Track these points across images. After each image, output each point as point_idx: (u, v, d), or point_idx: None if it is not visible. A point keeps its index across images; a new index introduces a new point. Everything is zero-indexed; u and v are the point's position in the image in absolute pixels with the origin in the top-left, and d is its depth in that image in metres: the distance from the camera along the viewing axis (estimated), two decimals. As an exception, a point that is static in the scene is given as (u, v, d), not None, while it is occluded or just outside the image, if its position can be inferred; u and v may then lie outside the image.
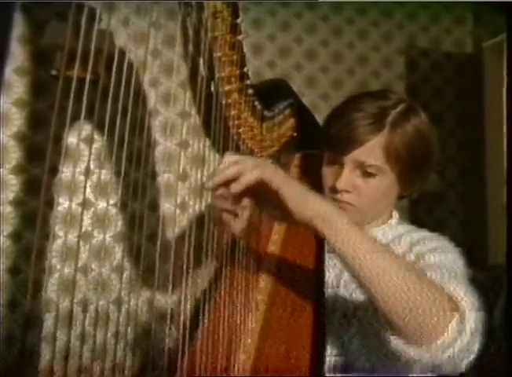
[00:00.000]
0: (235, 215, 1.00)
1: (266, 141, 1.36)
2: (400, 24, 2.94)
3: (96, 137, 1.13)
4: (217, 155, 1.25)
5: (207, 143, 1.22)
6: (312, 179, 1.43)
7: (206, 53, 1.11)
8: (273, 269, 1.26)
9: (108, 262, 2.36)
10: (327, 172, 1.32)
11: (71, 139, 1.06)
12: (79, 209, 1.96)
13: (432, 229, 1.33)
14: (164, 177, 2.47)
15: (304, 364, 1.03)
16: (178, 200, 2.46)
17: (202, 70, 1.13)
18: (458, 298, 0.96)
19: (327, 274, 1.27)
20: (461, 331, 0.92)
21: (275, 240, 1.34)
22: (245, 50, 1.18)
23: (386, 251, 0.99)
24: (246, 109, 1.25)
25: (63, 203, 2.08)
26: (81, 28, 0.80)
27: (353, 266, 0.96)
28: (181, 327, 1.05)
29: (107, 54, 0.89)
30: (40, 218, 1.05)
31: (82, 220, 2.03)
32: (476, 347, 0.96)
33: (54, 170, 0.96)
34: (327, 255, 1.32)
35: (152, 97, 2.33)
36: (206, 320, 1.13)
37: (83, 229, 2.27)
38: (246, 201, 1.00)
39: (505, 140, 2.46)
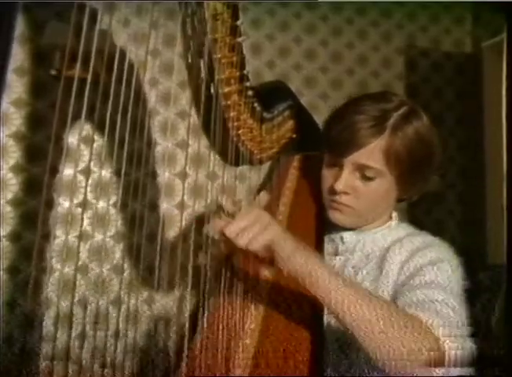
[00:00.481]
0: None
1: (265, 143, 1.36)
2: (400, 24, 2.94)
3: (95, 137, 1.13)
4: (215, 155, 1.26)
5: (207, 143, 1.22)
6: (311, 181, 1.44)
7: (206, 54, 1.11)
8: (272, 272, 1.26)
9: (108, 262, 2.36)
10: (327, 173, 1.32)
11: (71, 139, 1.07)
12: (79, 209, 1.97)
13: (431, 230, 1.33)
14: (164, 177, 2.47)
15: (303, 364, 1.03)
16: (177, 200, 2.46)
17: (202, 71, 1.13)
18: (440, 336, 1.00)
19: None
20: (442, 364, 0.96)
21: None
22: (244, 51, 1.18)
23: (366, 295, 1.02)
24: (245, 111, 1.26)
25: (62, 203, 2.08)
26: (81, 28, 0.81)
27: (336, 313, 1.00)
28: (181, 327, 1.06)
29: (107, 54, 0.89)
30: (40, 218, 1.05)
31: (82, 219, 2.03)
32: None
33: (54, 170, 0.96)
34: (326, 257, 1.33)
35: (152, 97, 2.34)
36: (205, 320, 1.13)
37: (83, 229, 2.27)
38: None
39: (504, 140, 2.45)
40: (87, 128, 1.24)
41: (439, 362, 0.97)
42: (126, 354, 1.26)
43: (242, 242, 1.01)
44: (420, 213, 2.71)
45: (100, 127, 0.94)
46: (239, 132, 1.26)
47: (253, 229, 1.02)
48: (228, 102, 1.20)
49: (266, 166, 1.56)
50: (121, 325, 1.38)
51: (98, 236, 2.30)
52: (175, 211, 2.45)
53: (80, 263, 2.20)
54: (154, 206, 2.20)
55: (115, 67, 0.92)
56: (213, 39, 1.11)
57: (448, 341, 0.99)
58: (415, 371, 0.96)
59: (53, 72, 2.30)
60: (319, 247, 1.30)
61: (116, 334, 1.29)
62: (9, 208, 2.30)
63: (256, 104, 1.28)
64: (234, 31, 1.13)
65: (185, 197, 2.36)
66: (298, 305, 1.14)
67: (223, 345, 1.07)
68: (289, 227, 1.37)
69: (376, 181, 1.26)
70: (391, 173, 1.26)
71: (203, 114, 1.16)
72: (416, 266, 1.21)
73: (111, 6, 0.97)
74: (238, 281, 1.17)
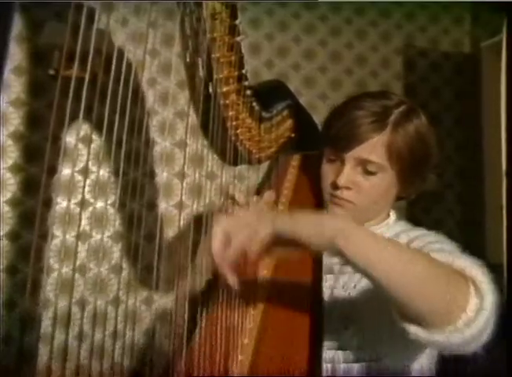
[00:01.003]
0: None
1: (264, 142, 1.36)
2: (399, 24, 2.94)
3: (94, 136, 1.13)
4: (213, 156, 1.26)
5: (205, 143, 1.22)
6: (310, 180, 1.44)
7: (205, 54, 1.11)
8: (271, 269, 1.26)
9: (106, 262, 2.36)
10: (328, 169, 1.32)
11: (69, 139, 1.07)
12: (77, 208, 1.97)
13: (429, 229, 1.33)
14: (162, 177, 2.47)
15: (302, 364, 1.03)
16: (176, 200, 2.46)
17: (201, 71, 1.13)
18: (472, 273, 0.97)
19: (324, 276, 1.27)
20: (481, 306, 0.93)
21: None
22: (243, 51, 1.18)
23: (401, 246, 1.02)
24: (244, 110, 1.26)
25: (61, 203, 2.08)
26: (79, 28, 0.80)
27: (374, 272, 0.95)
28: (179, 326, 1.06)
29: (105, 54, 0.89)
30: (38, 218, 1.05)
31: (80, 219, 2.03)
32: (493, 321, 0.96)
33: (52, 170, 0.96)
34: (325, 255, 1.32)
35: (150, 97, 2.34)
36: (203, 320, 1.13)
37: (81, 229, 2.27)
38: None
39: (503, 139, 2.45)
40: (85, 128, 1.23)
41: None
42: (124, 354, 1.26)
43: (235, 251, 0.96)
44: (419, 212, 2.72)
45: (98, 127, 0.94)
46: (238, 131, 1.26)
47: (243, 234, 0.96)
48: (227, 101, 1.20)
49: (265, 165, 1.56)
50: (119, 325, 1.38)
51: (96, 236, 2.30)
52: (174, 211, 2.45)
53: (78, 263, 2.20)
54: (152, 206, 2.21)
55: (113, 66, 0.92)
56: (212, 38, 1.11)
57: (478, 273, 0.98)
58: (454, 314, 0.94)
59: (52, 72, 2.30)
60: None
61: (114, 333, 1.29)
62: (7, 208, 2.29)
63: (254, 104, 1.28)
64: (232, 31, 1.13)
65: (184, 197, 2.36)
66: (296, 304, 1.14)
67: (221, 345, 1.07)
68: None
69: (378, 175, 1.27)
70: (392, 168, 1.26)
71: (202, 113, 1.16)
72: (417, 247, 1.21)
73: (109, 6, 0.97)
74: (236, 281, 1.17)
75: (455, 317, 0.92)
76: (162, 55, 2.43)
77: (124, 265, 2.22)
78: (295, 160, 1.56)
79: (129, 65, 0.97)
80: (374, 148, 1.24)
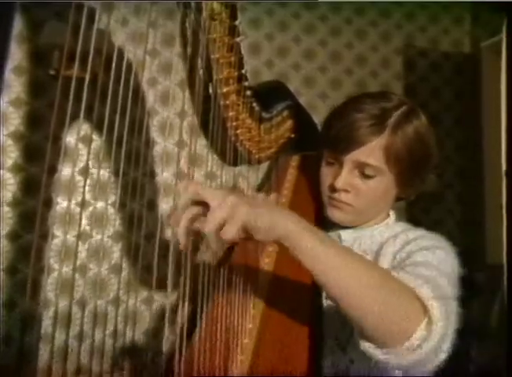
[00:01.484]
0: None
1: (264, 143, 1.36)
2: (399, 24, 2.94)
3: (94, 136, 1.13)
4: (213, 155, 1.25)
5: (205, 143, 1.22)
6: (310, 180, 1.44)
7: (205, 54, 1.11)
8: (271, 272, 1.26)
9: (106, 262, 2.36)
10: (326, 171, 1.32)
11: (70, 138, 1.07)
12: (77, 208, 1.97)
13: (429, 229, 1.33)
14: (162, 177, 2.47)
15: (302, 365, 1.03)
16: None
17: (201, 71, 1.13)
18: (428, 302, 0.95)
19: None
20: (429, 335, 0.92)
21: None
22: (243, 51, 1.18)
23: (354, 258, 0.97)
24: (244, 111, 1.26)
25: (61, 203, 2.08)
26: (79, 28, 0.80)
27: (321, 279, 0.94)
28: (179, 326, 1.05)
29: (105, 54, 0.89)
30: (38, 218, 1.05)
31: (80, 219, 2.03)
32: (446, 348, 0.96)
33: (52, 170, 0.96)
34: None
35: (151, 97, 2.34)
36: (203, 320, 1.13)
37: (81, 229, 2.27)
38: None
39: (503, 139, 2.45)
40: (86, 128, 1.23)
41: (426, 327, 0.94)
42: (123, 353, 1.26)
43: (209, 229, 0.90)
44: (419, 212, 2.72)
45: (98, 127, 0.94)
46: (238, 132, 1.26)
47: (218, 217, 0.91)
48: (227, 102, 1.20)
49: (264, 166, 1.56)
50: (119, 324, 1.38)
51: (97, 236, 2.30)
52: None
53: (79, 263, 2.20)
54: (152, 206, 2.21)
55: (113, 66, 0.91)
56: (212, 39, 1.11)
57: (434, 303, 0.96)
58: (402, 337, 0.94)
59: (52, 72, 2.30)
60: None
61: (114, 333, 1.29)
62: (7, 208, 2.29)
63: (254, 104, 1.28)
64: (232, 31, 1.13)
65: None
66: (296, 304, 1.14)
67: (221, 345, 1.07)
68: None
69: (376, 179, 1.26)
70: (390, 171, 1.26)
71: (202, 114, 1.16)
72: (409, 252, 1.20)
73: (110, 6, 0.97)
74: (236, 280, 1.17)
75: (399, 342, 0.92)
76: (162, 55, 2.43)
77: (124, 265, 2.23)
78: (295, 161, 1.56)
79: (129, 65, 0.97)
80: (372, 151, 1.24)
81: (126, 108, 0.95)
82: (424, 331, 0.92)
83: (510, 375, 1.73)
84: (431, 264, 1.13)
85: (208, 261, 1.10)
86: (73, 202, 1.95)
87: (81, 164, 2.09)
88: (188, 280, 1.01)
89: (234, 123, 1.24)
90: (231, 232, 0.89)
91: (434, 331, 0.92)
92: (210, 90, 1.16)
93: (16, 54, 2.36)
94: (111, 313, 1.80)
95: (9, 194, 2.30)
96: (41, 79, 2.35)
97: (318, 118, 1.50)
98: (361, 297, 0.92)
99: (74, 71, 0.81)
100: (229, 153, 1.26)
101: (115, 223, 2.31)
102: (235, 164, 1.30)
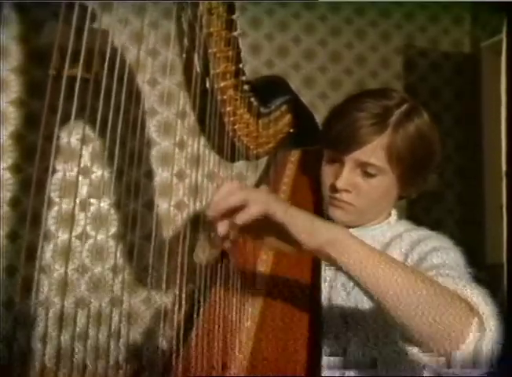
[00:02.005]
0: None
1: (262, 138, 1.35)
2: (398, 24, 2.94)
3: (93, 136, 1.13)
4: (212, 155, 1.25)
5: (204, 142, 1.22)
6: (309, 176, 1.43)
7: (201, 49, 1.10)
8: (270, 269, 1.26)
9: (106, 262, 2.36)
10: (327, 170, 1.31)
11: (69, 138, 1.07)
12: (77, 208, 1.96)
13: (430, 229, 1.32)
14: (161, 177, 2.47)
15: (301, 363, 1.03)
16: (175, 200, 2.46)
17: (198, 66, 1.12)
18: (476, 302, 0.94)
19: (323, 274, 1.27)
20: (481, 338, 0.90)
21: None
22: (241, 48, 1.18)
23: (399, 265, 0.96)
24: (241, 105, 1.25)
25: (60, 202, 2.08)
26: (77, 28, 0.80)
27: (368, 288, 0.93)
28: (176, 325, 1.05)
29: (104, 54, 0.89)
30: (32, 217, 1.05)
31: (73, 219, 2.03)
32: (496, 349, 0.92)
33: (53, 170, 0.96)
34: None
35: (149, 96, 2.34)
36: (201, 318, 1.12)
37: (81, 229, 2.28)
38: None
39: (503, 139, 2.45)
40: (85, 128, 1.23)
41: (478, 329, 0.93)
42: (123, 353, 1.26)
43: (238, 198, 0.92)
44: (419, 212, 2.72)
45: (98, 127, 0.94)
46: (235, 127, 1.25)
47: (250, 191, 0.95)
48: (224, 97, 1.19)
49: (264, 164, 1.56)
50: (117, 324, 1.37)
51: (97, 236, 2.30)
52: (173, 211, 2.45)
53: (77, 262, 2.20)
54: (151, 206, 2.21)
55: (112, 66, 0.92)
56: (209, 33, 1.10)
57: (479, 301, 0.95)
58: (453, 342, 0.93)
59: (52, 72, 2.30)
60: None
61: (112, 333, 1.29)
62: (6, 208, 2.30)
63: (252, 99, 1.27)
64: (229, 25, 1.12)
65: (184, 197, 2.35)
66: (295, 302, 1.13)
67: (219, 343, 1.06)
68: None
69: (377, 178, 1.25)
70: (392, 170, 1.25)
71: (199, 109, 1.16)
72: (420, 254, 1.20)
73: (109, 5, 0.97)
74: (234, 278, 1.16)
75: (453, 348, 0.90)
76: (162, 55, 2.43)
77: (124, 265, 2.22)
78: (294, 156, 1.55)
79: (128, 64, 0.97)
80: (373, 150, 1.23)
81: (126, 108, 0.95)
82: (478, 331, 0.90)
83: (510, 374, 1.72)
84: (450, 265, 1.12)
85: (205, 262, 1.10)
86: (71, 202, 1.96)
87: (80, 164, 2.09)
88: (184, 278, 1.01)
89: (231, 118, 1.23)
90: (253, 210, 0.91)
91: (488, 330, 0.90)
92: (207, 85, 1.15)
93: (16, 54, 2.36)
94: (109, 313, 1.80)
95: (8, 194, 2.31)
96: (41, 79, 2.35)
97: (318, 118, 1.50)
98: (411, 302, 0.91)
99: (66, 70, 0.82)
100: (227, 149, 1.25)
101: (114, 223, 2.32)
102: (232, 160, 1.30)
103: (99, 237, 2.26)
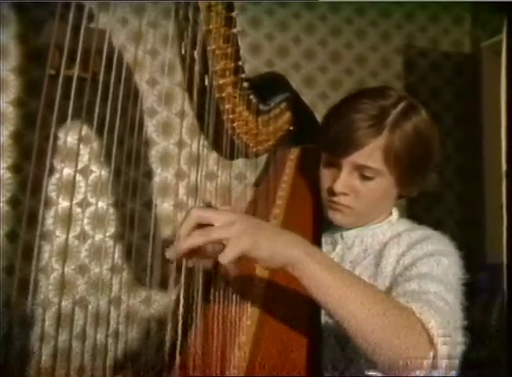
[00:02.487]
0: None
1: (262, 135, 1.35)
2: (399, 24, 2.95)
3: (93, 136, 1.13)
4: (212, 153, 1.24)
5: (204, 142, 1.21)
6: (308, 173, 1.42)
7: (200, 46, 1.10)
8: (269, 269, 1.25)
9: (105, 262, 2.36)
10: (325, 174, 1.30)
11: (68, 138, 1.07)
12: (78, 208, 1.96)
13: (431, 228, 1.32)
14: (161, 176, 2.47)
15: (300, 362, 1.02)
16: (175, 200, 2.46)
17: (197, 63, 1.12)
18: (434, 333, 0.95)
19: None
20: (435, 365, 0.93)
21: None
22: (241, 46, 1.17)
23: (361, 288, 0.97)
24: (241, 103, 1.24)
25: (61, 203, 2.08)
26: (76, 28, 0.80)
27: (329, 310, 0.95)
28: (177, 325, 1.05)
29: (104, 54, 0.89)
30: (31, 217, 1.04)
31: (69, 218, 2.02)
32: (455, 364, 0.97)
33: (51, 170, 0.95)
34: (323, 250, 1.32)
35: (149, 96, 2.34)
36: (200, 318, 1.12)
37: (79, 229, 2.28)
38: None
39: (503, 139, 2.45)
40: (84, 127, 1.23)
41: (432, 359, 0.96)
42: (120, 352, 1.26)
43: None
44: (419, 212, 2.72)
45: (98, 127, 0.93)
46: (235, 125, 1.24)
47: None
48: (223, 94, 1.18)
49: (263, 162, 1.56)
50: (116, 324, 1.37)
51: (97, 236, 2.30)
52: (173, 210, 2.45)
53: (75, 261, 2.20)
54: (151, 206, 2.20)
55: (111, 65, 0.91)
56: (208, 30, 1.09)
57: (440, 334, 0.97)
58: (408, 368, 0.95)
59: (52, 72, 2.30)
60: (316, 241, 1.29)
61: (108, 331, 1.28)
62: (6, 207, 2.30)
63: (252, 96, 1.26)
64: (229, 22, 1.11)
65: (184, 197, 2.35)
66: (294, 302, 1.13)
67: (218, 342, 1.05)
68: (286, 220, 1.36)
69: (375, 180, 1.24)
70: (390, 171, 1.24)
71: (198, 107, 1.15)
72: (413, 257, 1.19)
73: (108, 5, 0.96)
74: (233, 278, 1.15)
75: (408, 370, 0.92)
76: (161, 54, 2.43)
77: (123, 265, 2.22)
78: (293, 153, 1.55)
79: (127, 64, 0.97)
80: (371, 153, 1.22)
81: (125, 108, 0.95)
82: (431, 360, 0.92)
83: (510, 374, 1.72)
84: (436, 277, 1.13)
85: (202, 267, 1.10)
86: (69, 202, 1.95)
87: (80, 165, 2.08)
88: (183, 278, 1.00)
89: (230, 116, 1.22)
90: (228, 258, 0.88)
91: (440, 362, 0.93)
92: (206, 82, 1.14)
93: (16, 54, 2.37)
94: (109, 313, 1.80)
95: (7, 194, 2.31)
96: (41, 79, 2.35)
97: (318, 118, 1.49)
98: (367, 326, 0.93)
99: (63, 69, 0.81)
100: (226, 146, 1.24)
101: (114, 223, 2.31)
102: (232, 158, 1.29)
103: (98, 237, 2.26)
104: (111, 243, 2.35)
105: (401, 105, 1.24)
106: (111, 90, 0.91)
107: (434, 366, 0.93)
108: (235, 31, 1.13)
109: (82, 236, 2.29)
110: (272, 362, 1.02)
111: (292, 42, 2.79)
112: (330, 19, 2.84)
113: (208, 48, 1.12)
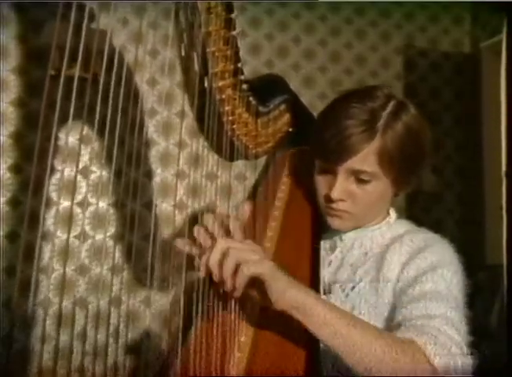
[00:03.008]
0: None
1: (261, 137, 1.35)
2: (398, 24, 2.95)
3: (93, 136, 1.13)
4: (211, 155, 1.24)
5: (204, 142, 1.21)
6: (308, 175, 1.42)
7: (200, 48, 1.10)
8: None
9: (105, 262, 2.36)
10: (321, 181, 1.30)
11: (69, 138, 1.07)
12: (77, 209, 1.96)
13: (429, 229, 1.32)
14: (161, 177, 2.47)
15: (300, 363, 1.02)
16: (175, 200, 2.46)
17: (196, 65, 1.12)
18: (435, 361, 1.01)
19: (322, 272, 1.26)
20: None
21: (270, 237, 1.33)
22: (240, 47, 1.17)
23: (362, 329, 1.04)
24: (240, 105, 1.24)
25: (62, 203, 2.08)
26: (78, 27, 0.80)
27: (335, 348, 1.01)
28: (176, 326, 1.05)
29: (104, 54, 0.89)
30: (27, 217, 1.05)
31: (70, 219, 2.02)
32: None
33: (52, 170, 0.96)
34: (323, 253, 1.32)
35: (149, 96, 2.34)
36: (199, 320, 1.12)
37: (80, 229, 2.27)
38: None
39: (503, 139, 2.45)
40: (85, 128, 1.23)
41: None
42: (122, 354, 1.26)
43: (226, 271, 1.01)
44: (419, 212, 2.71)
45: (98, 127, 0.93)
46: (234, 126, 1.24)
47: (241, 257, 1.02)
48: (223, 96, 1.18)
49: (263, 163, 1.55)
50: (116, 325, 1.37)
51: (97, 236, 2.30)
52: (174, 211, 2.45)
53: (76, 262, 2.20)
54: (151, 206, 2.20)
55: (110, 66, 0.91)
56: (207, 32, 1.10)
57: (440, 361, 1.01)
58: None
59: (52, 72, 2.30)
60: (316, 243, 1.29)
61: (109, 331, 1.28)
62: (6, 208, 2.30)
63: (251, 98, 1.26)
64: (228, 24, 1.12)
65: (184, 197, 2.35)
66: (290, 319, 1.12)
67: (218, 343, 1.06)
68: (285, 223, 1.36)
69: (371, 183, 1.24)
70: (385, 172, 1.24)
71: (198, 109, 1.15)
72: (417, 270, 1.20)
73: (109, 5, 0.96)
74: (229, 294, 1.15)
75: None
76: (161, 55, 2.43)
77: (124, 265, 2.22)
78: (293, 155, 1.54)
79: (128, 65, 0.97)
80: (365, 157, 1.22)
81: (125, 108, 0.95)
82: None
83: (510, 374, 1.72)
84: (441, 294, 1.15)
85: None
86: (69, 202, 1.95)
87: (81, 165, 2.08)
88: (184, 278, 1.00)
89: (230, 118, 1.22)
90: (250, 271, 1.00)
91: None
92: (206, 84, 1.14)
93: (16, 54, 2.37)
94: (109, 313, 1.80)
95: (8, 194, 2.31)
96: (41, 79, 2.35)
97: (318, 118, 1.50)
98: (372, 364, 1.00)
99: (64, 69, 0.81)
100: (226, 148, 1.24)
101: (114, 223, 2.32)
102: (231, 159, 1.29)
103: (98, 237, 2.27)
104: (111, 243, 2.35)
105: (390, 106, 1.24)
106: (111, 90, 0.91)
107: None
108: (234, 33, 1.13)
109: (83, 236, 2.29)
110: (272, 362, 1.02)
111: (292, 42, 2.79)
112: (330, 19, 2.84)
113: (208, 50, 1.12)
